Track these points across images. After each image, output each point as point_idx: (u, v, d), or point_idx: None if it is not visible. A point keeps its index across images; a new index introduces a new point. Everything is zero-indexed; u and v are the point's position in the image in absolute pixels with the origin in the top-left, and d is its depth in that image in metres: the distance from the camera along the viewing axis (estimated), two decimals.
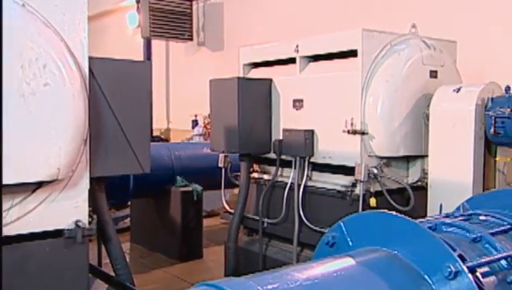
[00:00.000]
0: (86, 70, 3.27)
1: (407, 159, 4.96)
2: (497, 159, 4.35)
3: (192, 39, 11.94)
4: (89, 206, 3.42)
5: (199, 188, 6.92)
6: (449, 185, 4.30)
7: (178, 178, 6.98)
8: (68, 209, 3.24)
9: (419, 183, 4.85)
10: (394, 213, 1.98)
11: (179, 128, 12.12)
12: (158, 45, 12.75)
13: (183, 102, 12.11)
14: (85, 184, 3.32)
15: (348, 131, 4.63)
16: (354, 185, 4.68)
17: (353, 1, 8.27)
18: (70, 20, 3.21)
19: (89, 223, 3.33)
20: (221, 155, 5.83)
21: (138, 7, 12.12)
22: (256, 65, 5.90)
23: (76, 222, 3.25)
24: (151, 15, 11.22)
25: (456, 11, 6.82)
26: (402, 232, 1.94)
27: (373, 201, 4.58)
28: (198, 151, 7.59)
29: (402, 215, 1.96)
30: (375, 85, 4.60)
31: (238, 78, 5.30)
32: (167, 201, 6.99)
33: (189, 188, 6.91)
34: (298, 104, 5.22)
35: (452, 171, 4.35)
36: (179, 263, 6.70)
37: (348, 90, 4.71)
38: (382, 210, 2.09)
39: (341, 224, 2.13)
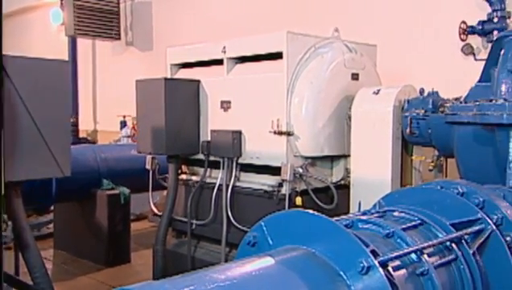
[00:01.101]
0: None
1: (331, 159, 5.11)
2: (413, 157, 4.58)
3: (119, 38, 11.65)
4: (4, 213, 3.24)
5: (126, 190, 6.76)
6: (370, 183, 4.48)
7: (104, 181, 6.79)
8: None
9: (343, 181, 5.01)
10: (311, 211, 2.04)
11: (107, 129, 11.79)
12: (84, 44, 12.33)
13: (111, 103, 11.79)
14: None
15: (275, 132, 4.71)
16: (281, 185, 4.76)
17: (279, 4, 8.41)
18: None
19: (4, 230, 3.16)
20: (149, 157, 5.73)
21: (61, 4, 11.65)
22: (184, 66, 5.86)
23: None
24: (76, 13, 10.82)
25: (375, 16, 7.12)
26: (319, 230, 1.99)
27: (298, 200, 4.69)
28: (125, 152, 7.41)
29: (320, 213, 2.01)
30: (300, 87, 4.71)
31: (165, 79, 5.23)
32: (92, 205, 6.77)
33: (116, 191, 6.74)
34: (226, 105, 5.24)
35: (372, 169, 4.54)
36: (106, 268, 6.52)
37: (274, 92, 4.79)
38: (301, 209, 2.14)
39: (262, 224, 2.16)
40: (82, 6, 10.93)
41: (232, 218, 5.00)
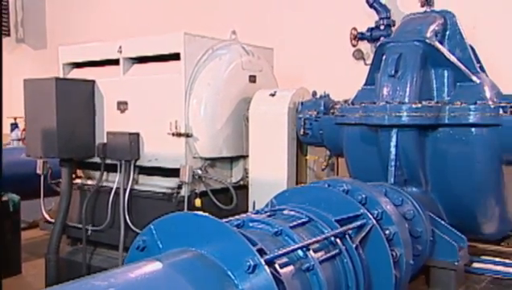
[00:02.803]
0: None
1: (231, 160, 5.17)
2: (308, 157, 4.76)
3: (9, 35, 10.90)
4: None
5: (16, 197, 6.37)
6: (267, 183, 4.58)
7: None
8: None
9: (242, 182, 5.09)
10: (199, 212, 2.04)
11: None
12: None
13: None
14: None
15: (173, 134, 4.68)
16: (180, 187, 4.72)
17: (177, 4, 8.34)
18: None
19: None
20: (40, 161, 5.43)
21: None
22: (78, 65, 5.63)
23: None
24: None
25: (272, 21, 7.29)
26: (207, 231, 2.00)
27: (198, 202, 4.68)
28: (14, 156, 6.95)
29: (207, 214, 2.02)
30: (198, 88, 4.71)
31: (56, 78, 4.98)
32: None
33: (4, 198, 6.30)
34: (122, 106, 5.11)
35: (269, 169, 4.65)
36: None
37: (172, 93, 4.75)
38: (189, 211, 2.14)
39: (151, 227, 2.13)
40: None
41: (130, 223, 4.89)
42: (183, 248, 2.00)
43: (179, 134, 4.67)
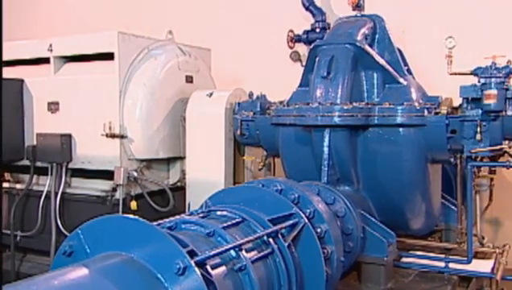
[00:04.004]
0: None
1: (168, 161, 5.10)
2: (245, 157, 4.78)
3: None
4: None
5: None
6: (204, 183, 4.56)
7: None
8: None
9: (179, 183, 5.04)
10: (127, 215, 2.00)
11: None
12: None
13: None
14: None
15: (107, 135, 4.56)
16: (115, 190, 4.62)
17: (112, 4, 8.13)
18: None
19: None
20: None
21: None
22: (5, 64, 5.36)
23: None
24: None
25: (210, 21, 7.26)
26: (137, 234, 1.96)
27: (134, 205, 4.60)
28: None
29: (136, 217, 1.98)
30: (133, 89, 4.62)
31: None
32: None
33: None
34: (53, 106, 4.93)
35: (206, 170, 4.63)
36: None
37: (105, 93, 4.63)
38: (118, 214, 2.09)
39: (79, 231, 2.08)
40: None
41: (62, 227, 4.72)
42: (111, 252, 1.96)
43: (113, 136, 4.57)
